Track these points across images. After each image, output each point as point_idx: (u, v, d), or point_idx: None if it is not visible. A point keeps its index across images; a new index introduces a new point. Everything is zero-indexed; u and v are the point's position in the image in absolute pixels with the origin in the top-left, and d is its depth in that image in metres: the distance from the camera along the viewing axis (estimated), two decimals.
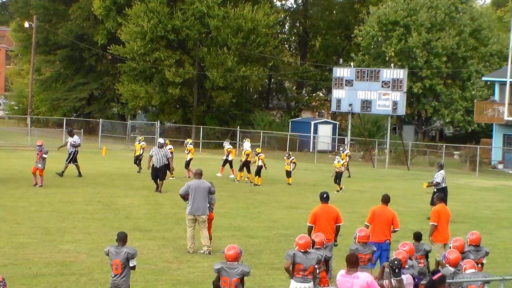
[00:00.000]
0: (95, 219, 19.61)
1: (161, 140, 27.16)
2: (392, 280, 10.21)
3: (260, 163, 29.34)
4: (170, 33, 53.62)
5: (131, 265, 10.85)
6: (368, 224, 14.19)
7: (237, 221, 20.52)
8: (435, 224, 14.92)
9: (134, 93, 54.52)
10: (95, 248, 15.79)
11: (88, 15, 58.88)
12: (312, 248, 11.30)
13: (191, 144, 31.80)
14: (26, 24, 58.96)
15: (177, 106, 58.69)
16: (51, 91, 62.26)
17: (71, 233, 17.61)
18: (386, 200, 14.50)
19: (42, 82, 63.19)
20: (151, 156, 26.00)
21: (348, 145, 46.18)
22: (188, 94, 56.51)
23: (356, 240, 12.38)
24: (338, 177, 29.20)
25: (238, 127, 51.75)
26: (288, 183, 30.06)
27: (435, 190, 22.36)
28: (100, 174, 30.38)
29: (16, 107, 68.15)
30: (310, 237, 13.51)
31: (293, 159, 30.36)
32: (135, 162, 31.73)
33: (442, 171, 22.65)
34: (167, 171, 26.48)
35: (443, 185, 22.49)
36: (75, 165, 28.47)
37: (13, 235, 17.05)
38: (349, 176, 33.91)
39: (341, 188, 28.83)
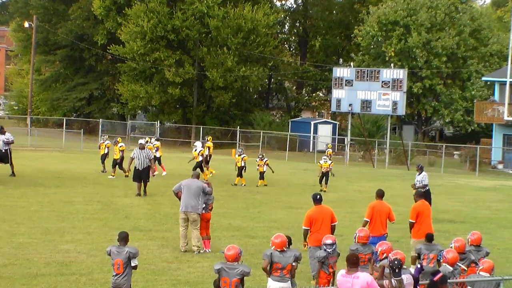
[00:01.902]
0: (95, 219, 19.61)
1: (142, 141, 26.52)
2: (392, 280, 10.21)
3: (242, 163, 29.14)
4: (170, 33, 53.61)
5: (132, 264, 10.86)
6: (368, 220, 14.47)
7: (237, 221, 20.52)
8: (413, 221, 15.02)
9: (134, 93, 54.52)
10: (95, 248, 15.79)
11: (88, 15, 58.90)
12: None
13: (208, 140, 31.38)
14: (26, 24, 58.96)
15: (177, 106, 58.68)
16: (51, 91, 62.31)
17: (71, 233, 17.60)
18: (381, 195, 14.98)
19: (42, 82, 63.22)
20: (132, 158, 25.45)
21: (349, 145, 46.22)
22: (188, 94, 56.51)
23: (356, 240, 12.40)
24: (324, 176, 28.82)
25: (238, 127, 51.79)
26: (257, 185, 29.10)
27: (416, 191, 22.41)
28: (100, 174, 30.38)
29: (16, 107, 68.20)
30: (306, 240, 13.58)
31: (266, 160, 29.71)
32: (102, 162, 30.95)
33: (424, 173, 22.77)
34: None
35: (427, 188, 22.61)
36: (10, 164, 27.87)
37: (13, 235, 17.04)
38: (333, 175, 33.22)
39: (321, 190, 27.82)
